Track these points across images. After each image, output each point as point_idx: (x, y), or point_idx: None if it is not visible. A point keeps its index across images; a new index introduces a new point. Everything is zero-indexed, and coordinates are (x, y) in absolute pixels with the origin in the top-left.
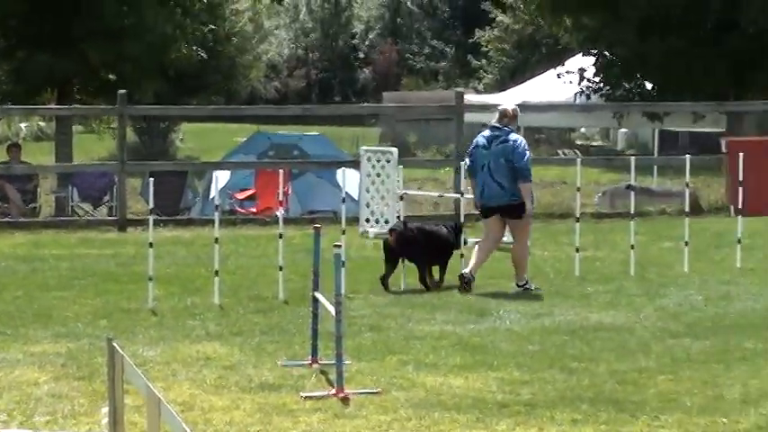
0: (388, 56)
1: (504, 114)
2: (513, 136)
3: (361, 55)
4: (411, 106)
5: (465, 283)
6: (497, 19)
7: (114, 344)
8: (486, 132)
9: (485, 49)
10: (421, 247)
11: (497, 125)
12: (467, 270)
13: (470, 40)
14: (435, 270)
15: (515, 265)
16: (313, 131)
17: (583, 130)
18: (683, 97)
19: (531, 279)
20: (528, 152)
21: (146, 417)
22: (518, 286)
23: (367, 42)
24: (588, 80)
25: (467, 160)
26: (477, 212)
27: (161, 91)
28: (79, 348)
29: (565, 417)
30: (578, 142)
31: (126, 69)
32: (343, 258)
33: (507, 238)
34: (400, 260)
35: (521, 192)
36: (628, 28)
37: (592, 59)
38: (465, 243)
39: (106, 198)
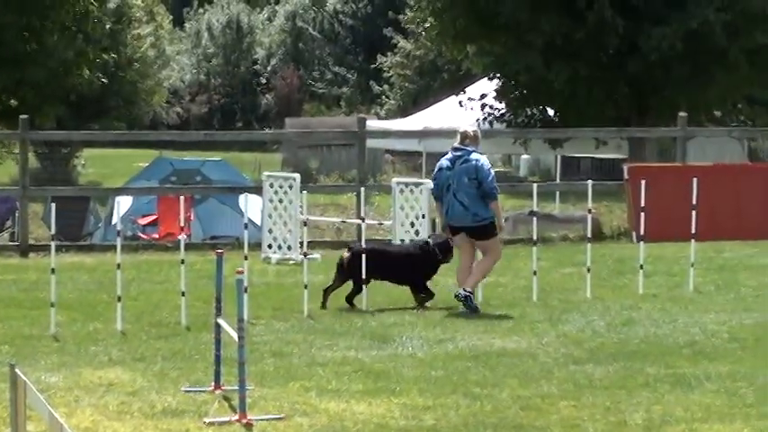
0: (289, 82)
1: (465, 136)
2: (474, 155)
3: (263, 81)
4: (313, 132)
5: (465, 302)
6: (399, 45)
7: (16, 370)
8: (449, 154)
9: (387, 74)
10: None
11: (459, 146)
12: (460, 290)
13: (372, 66)
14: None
15: (474, 273)
16: (215, 157)
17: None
18: (586, 123)
19: (434, 304)
20: (492, 171)
21: None
22: (463, 290)
23: (269, 68)
24: (490, 107)
25: (431, 184)
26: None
27: (63, 116)
28: None
29: None
30: None
31: (27, 95)
32: (245, 284)
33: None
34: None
35: (487, 211)
36: (532, 53)
37: (493, 85)
38: None
39: (8, 224)
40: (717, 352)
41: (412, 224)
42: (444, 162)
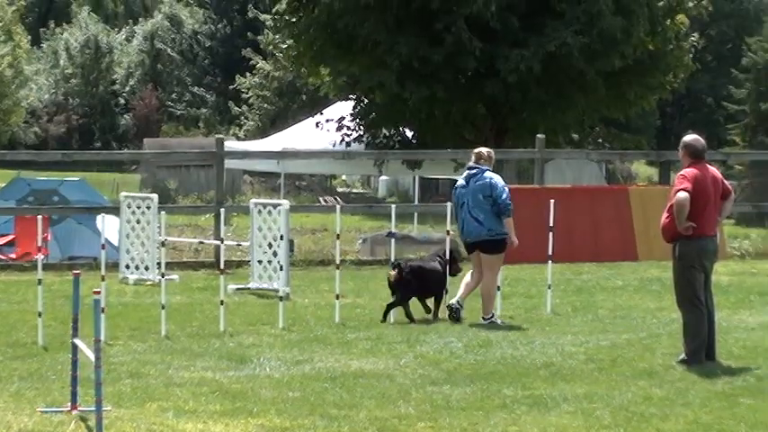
0: (148, 102)
1: (479, 156)
2: (488, 174)
3: (122, 101)
4: (171, 152)
5: (453, 312)
6: (258, 66)
7: None
8: (465, 173)
9: (246, 95)
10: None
11: (474, 165)
12: (454, 300)
13: (231, 87)
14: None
15: (483, 299)
16: (73, 177)
17: (344, 177)
18: (444, 145)
19: (292, 326)
20: (506, 188)
21: None
22: (483, 319)
23: (127, 88)
24: (348, 128)
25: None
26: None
27: None
28: None
29: None
30: (339, 189)
31: None
32: (102, 305)
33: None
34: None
35: (501, 227)
36: (388, 75)
37: (351, 106)
38: None
39: None
40: (574, 373)
41: (270, 245)
42: (460, 181)
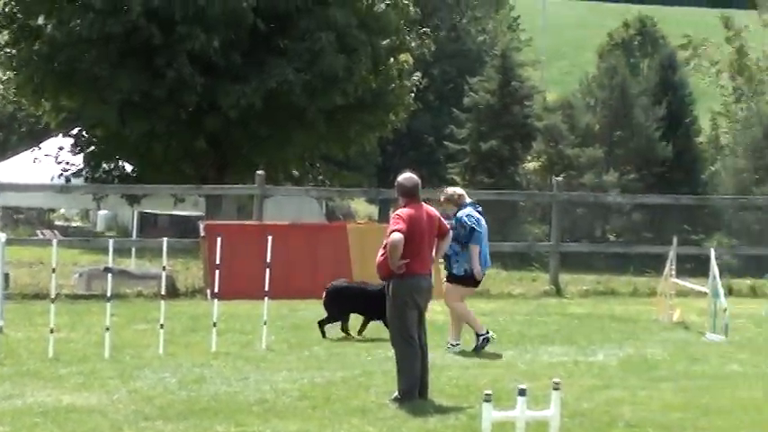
0: None
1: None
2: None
3: None
4: None
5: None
6: None
7: None
8: (475, 210)
9: None
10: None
11: (476, 203)
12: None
13: None
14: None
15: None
16: None
17: (63, 210)
18: (163, 179)
19: (4, 359)
20: None
21: None
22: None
23: None
24: (67, 162)
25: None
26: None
27: None
28: None
29: None
30: (58, 223)
31: None
32: None
33: None
34: None
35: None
36: (108, 111)
37: (71, 140)
38: None
39: None
40: (287, 410)
41: None
42: (479, 216)
